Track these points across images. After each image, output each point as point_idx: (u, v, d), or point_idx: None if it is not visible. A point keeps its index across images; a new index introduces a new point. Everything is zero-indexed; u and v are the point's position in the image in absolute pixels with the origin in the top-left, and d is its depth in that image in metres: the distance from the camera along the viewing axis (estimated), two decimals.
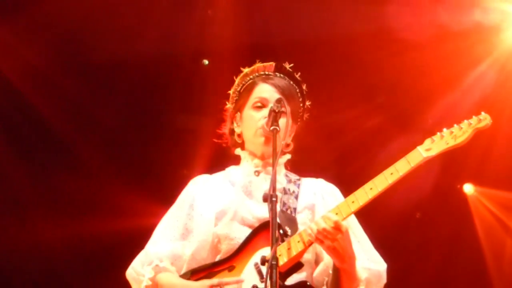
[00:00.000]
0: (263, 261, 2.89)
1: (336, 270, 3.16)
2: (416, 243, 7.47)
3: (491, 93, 6.61)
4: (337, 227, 3.03)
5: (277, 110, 3.18)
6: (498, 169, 7.14)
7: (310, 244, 3.11)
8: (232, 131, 3.53)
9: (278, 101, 3.22)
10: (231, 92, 3.57)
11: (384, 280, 3.30)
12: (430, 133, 3.16)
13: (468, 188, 7.52)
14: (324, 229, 3.02)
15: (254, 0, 6.35)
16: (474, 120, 3.13)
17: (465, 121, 3.14)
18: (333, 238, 3.02)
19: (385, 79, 6.62)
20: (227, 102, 3.58)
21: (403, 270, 7.23)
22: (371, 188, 3.09)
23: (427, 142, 3.14)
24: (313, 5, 6.35)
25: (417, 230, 7.46)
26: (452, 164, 6.60)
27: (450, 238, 7.40)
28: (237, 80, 3.55)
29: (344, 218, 3.09)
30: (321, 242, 3.05)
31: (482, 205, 7.48)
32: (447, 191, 7.44)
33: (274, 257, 2.77)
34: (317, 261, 3.31)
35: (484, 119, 3.13)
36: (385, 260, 3.36)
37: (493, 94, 6.59)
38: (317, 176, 3.53)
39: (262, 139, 3.35)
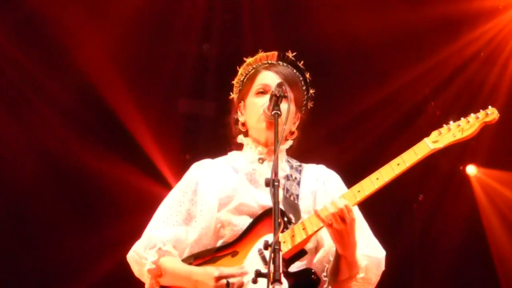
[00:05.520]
0: (266, 245, 2.90)
1: (337, 257, 3.18)
2: (419, 225, 7.50)
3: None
4: (349, 210, 3.05)
5: (278, 94, 3.19)
6: (501, 150, 7.15)
7: (314, 233, 3.13)
8: (236, 121, 3.53)
9: (279, 85, 3.22)
10: (234, 82, 3.58)
11: (382, 267, 3.32)
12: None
13: (471, 169, 7.53)
14: (341, 210, 3.03)
15: None
16: (481, 114, 3.16)
17: (472, 115, 3.16)
18: (343, 220, 3.03)
19: None
20: (231, 93, 3.59)
21: (406, 253, 7.28)
22: (377, 178, 3.11)
23: (434, 134, 3.16)
24: None
25: (420, 212, 7.49)
26: (454, 146, 6.60)
27: (453, 219, 7.42)
28: (240, 70, 3.56)
29: None
30: (329, 225, 3.06)
31: (485, 186, 7.49)
32: (450, 172, 7.46)
33: (277, 242, 2.78)
34: (317, 248, 3.33)
35: (491, 113, 3.15)
36: (388, 244, 3.38)
37: None
38: (317, 163, 3.54)
39: (264, 124, 3.35)
